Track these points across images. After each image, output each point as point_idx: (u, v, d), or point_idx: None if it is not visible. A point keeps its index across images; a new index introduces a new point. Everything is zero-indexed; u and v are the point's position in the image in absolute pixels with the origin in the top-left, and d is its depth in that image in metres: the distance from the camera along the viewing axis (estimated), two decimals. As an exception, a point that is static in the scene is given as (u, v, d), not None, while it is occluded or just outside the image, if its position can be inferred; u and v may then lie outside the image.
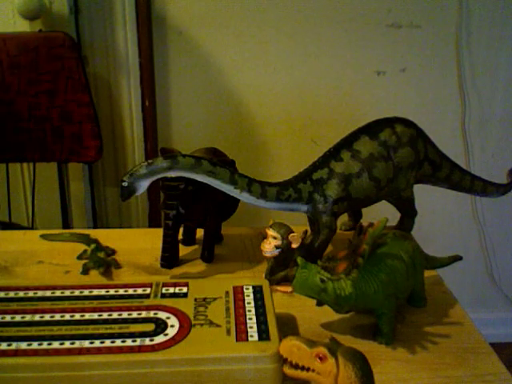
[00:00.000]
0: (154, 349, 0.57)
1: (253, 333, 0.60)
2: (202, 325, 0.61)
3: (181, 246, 0.86)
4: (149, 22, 1.41)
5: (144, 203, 1.56)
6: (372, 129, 0.80)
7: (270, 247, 0.76)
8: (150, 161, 0.70)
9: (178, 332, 0.60)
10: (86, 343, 0.58)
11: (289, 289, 0.65)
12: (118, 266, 0.83)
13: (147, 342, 0.58)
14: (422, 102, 1.56)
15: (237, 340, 0.59)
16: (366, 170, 0.78)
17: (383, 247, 0.67)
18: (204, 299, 0.66)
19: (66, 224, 1.45)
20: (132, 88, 1.47)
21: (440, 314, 0.73)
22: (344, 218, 0.90)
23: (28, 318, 0.62)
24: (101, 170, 1.54)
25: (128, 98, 1.48)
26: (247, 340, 0.59)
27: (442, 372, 0.63)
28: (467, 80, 1.54)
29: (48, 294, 0.67)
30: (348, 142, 0.79)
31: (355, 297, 0.63)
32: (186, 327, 0.61)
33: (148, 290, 0.68)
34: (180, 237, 0.84)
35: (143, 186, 0.70)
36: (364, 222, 0.69)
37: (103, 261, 0.83)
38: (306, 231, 0.78)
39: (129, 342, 0.58)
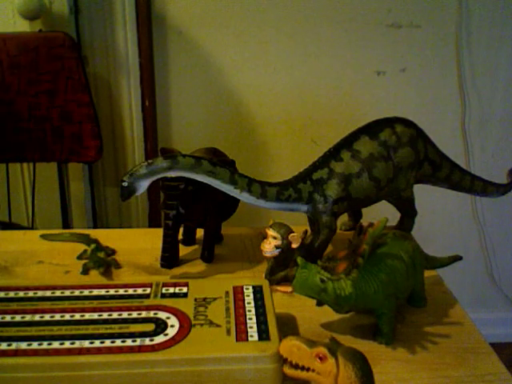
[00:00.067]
0: (153, 349, 0.57)
1: (253, 333, 0.60)
2: (201, 325, 0.61)
3: (181, 246, 0.86)
4: (149, 21, 1.41)
5: (144, 203, 1.56)
6: (372, 129, 0.80)
7: (270, 247, 0.76)
8: (150, 161, 0.70)
9: (177, 332, 0.60)
10: (86, 343, 0.58)
11: (289, 289, 0.65)
12: (117, 266, 0.83)
13: (147, 342, 0.58)
14: (422, 102, 1.56)
15: (237, 340, 0.59)
16: (365, 169, 0.78)
17: (383, 247, 0.67)
18: (204, 299, 0.66)
19: (66, 224, 1.45)
20: (132, 88, 1.47)
21: (440, 313, 0.73)
22: (344, 218, 0.90)
23: (28, 318, 0.62)
24: (101, 170, 1.54)
25: (128, 98, 1.48)
26: (247, 340, 0.59)
27: (442, 372, 0.63)
28: (467, 80, 1.54)
29: (48, 294, 0.67)
30: (348, 142, 0.79)
31: (355, 297, 0.63)
32: (185, 327, 0.61)
33: (148, 290, 0.68)
34: (180, 237, 0.84)
35: (143, 186, 0.70)
36: (364, 222, 0.69)
37: (103, 261, 0.83)
38: (305, 231, 0.78)
39: (129, 342, 0.58)
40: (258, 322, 0.62)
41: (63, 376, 0.56)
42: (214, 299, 0.66)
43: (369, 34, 1.48)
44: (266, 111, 1.53)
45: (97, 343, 0.58)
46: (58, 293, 0.67)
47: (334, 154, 0.79)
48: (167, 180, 0.77)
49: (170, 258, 0.83)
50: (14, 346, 0.58)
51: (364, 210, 0.89)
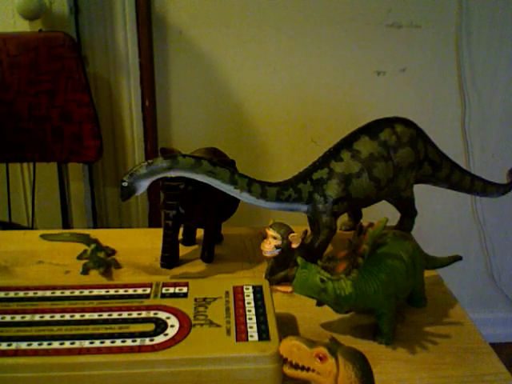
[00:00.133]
0: (153, 349, 0.57)
1: (253, 333, 0.60)
2: (202, 325, 0.61)
3: (181, 246, 0.86)
4: (149, 22, 1.41)
5: (144, 203, 1.56)
6: (372, 129, 0.80)
7: (270, 247, 0.76)
8: (150, 161, 0.70)
9: (177, 332, 0.60)
10: (86, 343, 0.58)
11: (289, 289, 0.65)
12: (118, 266, 0.83)
13: (147, 342, 0.58)
14: (422, 102, 1.56)
15: (237, 340, 0.59)
16: (365, 169, 0.78)
17: (383, 247, 0.67)
18: (204, 299, 0.66)
19: (66, 224, 1.45)
20: (132, 88, 1.47)
21: (440, 313, 0.73)
22: (344, 218, 0.90)
23: (28, 318, 0.62)
24: (101, 170, 1.54)
25: (128, 98, 1.48)
26: (247, 340, 0.59)
27: (442, 372, 0.63)
28: (467, 80, 1.54)
29: (48, 294, 0.67)
30: (348, 142, 0.79)
31: (355, 297, 0.63)
32: (185, 327, 0.61)
33: (148, 290, 0.68)
34: (180, 237, 0.84)
35: (143, 186, 0.70)
36: (364, 222, 0.69)
37: (103, 261, 0.83)
38: (305, 231, 0.78)
39: (129, 342, 0.58)
40: (258, 322, 0.62)
41: (63, 376, 0.56)
42: (214, 299, 0.66)
43: (369, 34, 1.48)
44: (266, 111, 1.53)
45: (97, 343, 0.58)
46: (58, 293, 0.67)
47: (334, 153, 0.79)
48: (167, 180, 0.77)
49: (169, 258, 0.83)
50: (14, 345, 0.58)
51: (364, 210, 0.89)
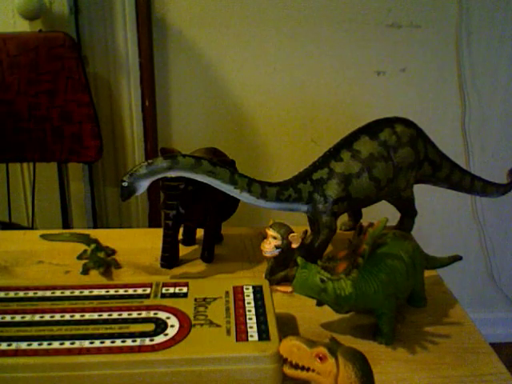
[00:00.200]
0: (153, 349, 0.57)
1: (253, 333, 0.60)
2: (202, 325, 0.61)
3: (181, 246, 0.86)
4: (149, 22, 1.41)
5: (144, 203, 1.56)
6: (372, 129, 0.80)
7: (270, 247, 0.76)
8: (150, 161, 0.70)
9: (177, 332, 0.60)
10: (86, 343, 0.58)
11: (289, 289, 0.65)
12: (118, 266, 0.83)
13: (147, 342, 0.58)
14: (422, 102, 1.56)
15: (237, 340, 0.59)
16: (365, 169, 0.78)
17: (383, 247, 0.67)
18: (204, 299, 0.66)
19: (66, 224, 1.45)
20: (132, 88, 1.47)
21: (440, 313, 0.73)
22: (344, 218, 0.90)
23: (28, 317, 0.62)
24: (101, 170, 1.54)
25: (128, 98, 1.48)
26: (247, 340, 0.59)
27: (442, 372, 0.63)
28: (467, 80, 1.54)
29: (48, 294, 0.67)
30: (348, 142, 0.79)
31: (355, 297, 0.63)
32: (186, 327, 0.61)
33: (148, 290, 0.68)
34: (180, 237, 0.84)
35: (143, 186, 0.70)
36: (364, 222, 0.69)
37: (103, 261, 0.83)
38: (305, 231, 0.78)
39: (129, 342, 0.58)
40: (258, 322, 0.62)
41: (63, 376, 0.56)
42: (214, 299, 0.66)
43: (369, 34, 1.48)
44: (266, 111, 1.53)
45: (97, 343, 0.58)
46: (58, 293, 0.67)
47: (334, 153, 0.79)
48: (167, 180, 0.77)
49: (169, 258, 0.83)
50: (14, 345, 0.58)
51: (364, 210, 0.89)
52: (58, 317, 0.63)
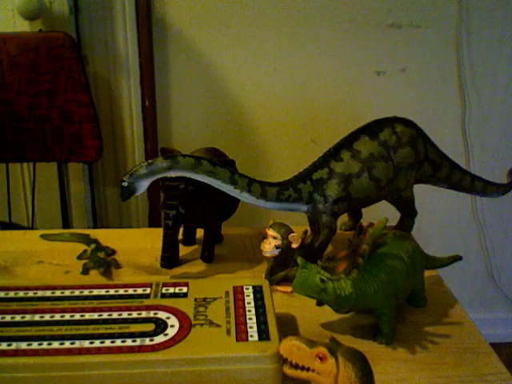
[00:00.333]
0: (154, 349, 0.57)
1: (253, 333, 0.60)
2: (202, 325, 0.61)
3: (181, 245, 0.86)
4: (149, 22, 1.41)
5: (144, 203, 1.56)
6: (372, 129, 0.80)
7: (270, 247, 0.76)
8: (150, 161, 0.70)
9: (178, 332, 0.60)
10: (86, 343, 0.58)
11: (289, 289, 0.65)
12: (118, 266, 0.83)
13: (147, 342, 0.58)
14: (422, 102, 1.56)
15: (237, 340, 0.59)
16: (365, 169, 0.78)
17: (383, 247, 0.67)
18: (204, 299, 0.66)
19: (66, 224, 1.45)
20: (132, 88, 1.47)
21: (440, 313, 0.73)
22: (344, 218, 0.90)
23: (28, 317, 0.62)
24: (101, 170, 1.54)
25: (128, 98, 1.48)
26: (247, 340, 0.59)
27: (442, 372, 0.63)
28: (467, 80, 1.54)
29: (48, 293, 0.67)
30: (348, 142, 0.79)
31: (355, 297, 0.63)
32: (186, 327, 0.61)
33: (148, 290, 0.68)
34: (180, 237, 0.84)
35: (143, 186, 0.70)
36: (364, 222, 0.69)
37: (103, 261, 0.83)
38: (305, 231, 0.78)
39: (129, 342, 0.58)
40: (258, 322, 0.62)
41: (63, 376, 0.56)
42: (214, 299, 0.66)
43: (369, 34, 1.48)
44: (266, 111, 1.53)
45: (97, 343, 0.58)
46: (58, 293, 0.67)
47: (334, 153, 0.79)
48: (167, 180, 0.77)
49: (169, 258, 0.83)
50: (14, 345, 0.58)
51: (364, 210, 0.89)
52: (57, 317, 0.63)
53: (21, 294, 0.67)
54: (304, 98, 1.52)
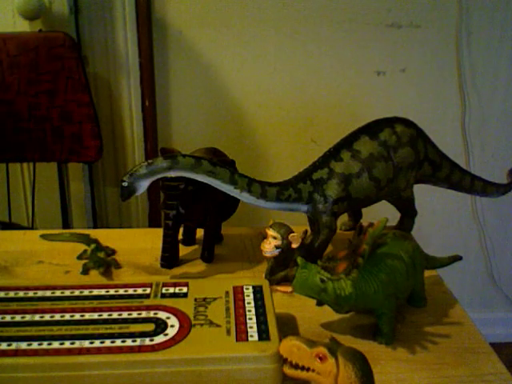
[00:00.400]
0: (154, 349, 0.57)
1: (253, 333, 0.60)
2: (202, 325, 0.61)
3: (181, 245, 0.86)
4: (149, 22, 1.41)
5: (144, 203, 1.56)
6: (372, 129, 0.80)
7: (270, 247, 0.76)
8: (150, 161, 0.70)
9: (178, 332, 0.60)
10: (86, 343, 0.58)
11: (289, 289, 0.65)
12: (118, 266, 0.83)
13: (147, 342, 0.58)
14: (422, 102, 1.56)
15: (237, 340, 0.59)
16: (365, 169, 0.78)
17: (383, 247, 0.67)
18: (204, 299, 0.66)
19: (66, 224, 1.45)
20: (132, 88, 1.47)
21: (440, 313, 0.73)
22: (344, 218, 0.90)
23: (28, 317, 0.62)
24: (101, 170, 1.54)
25: (128, 98, 1.48)
26: (247, 340, 0.59)
27: (442, 372, 0.63)
28: (467, 80, 1.54)
29: (48, 293, 0.67)
30: (348, 142, 0.79)
31: (355, 297, 0.63)
32: (185, 327, 0.61)
33: (148, 290, 0.68)
34: (180, 237, 0.84)
35: (143, 186, 0.70)
36: (364, 222, 0.69)
37: (103, 261, 0.83)
38: (305, 231, 0.78)
39: (129, 342, 0.58)
40: (258, 322, 0.62)
41: (63, 376, 0.56)
42: (214, 299, 0.66)
43: (369, 34, 1.48)
44: (266, 111, 1.53)
45: (97, 343, 0.58)
46: (58, 293, 0.67)
47: (334, 153, 0.79)
48: (167, 180, 0.77)
49: (169, 258, 0.83)
50: (14, 345, 0.58)
51: (364, 210, 0.89)
52: (57, 317, 0.63)
53: (21, 293, 0.67)
54: (304, 98, 1.52)
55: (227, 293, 0.67)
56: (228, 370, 0.57)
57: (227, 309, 0.64)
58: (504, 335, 1.81)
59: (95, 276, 0.81)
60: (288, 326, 0.69)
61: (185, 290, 0.68)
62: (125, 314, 0.63)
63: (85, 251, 0.86)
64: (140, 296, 0.66)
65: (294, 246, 0.75)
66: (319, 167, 0.78)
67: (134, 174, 0.69)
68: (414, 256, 0.69)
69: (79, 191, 1.52)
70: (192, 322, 0.62)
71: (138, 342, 0.58)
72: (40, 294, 0.67)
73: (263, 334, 0.60)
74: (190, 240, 0.89)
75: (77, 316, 0.63)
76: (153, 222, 1.56)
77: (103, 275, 0.81)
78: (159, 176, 0.71)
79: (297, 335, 0.56)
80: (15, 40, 1.28)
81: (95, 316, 0.63)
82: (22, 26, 1.35)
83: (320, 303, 0.66)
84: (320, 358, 0.52)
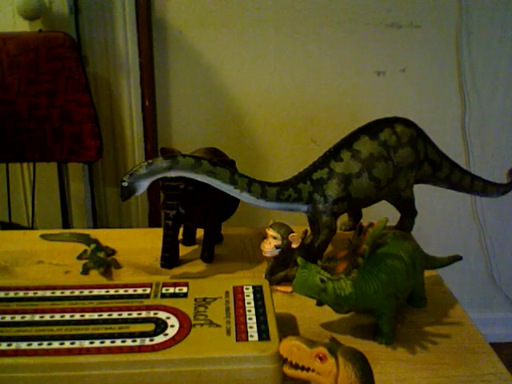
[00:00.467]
0: (154, 349, 0.57)
1: (253, 333, 0.60)
2: (202, 325, 0.61)
3: (181, 246, 0.86)
4: (149, 22, 1.41)
5: (144, 203, 1.56)
6: (372, 129, 0.80)
7: (270, 247, 0.76)
8: (150, 161, 0.70)
9: (178, 332, 0.60)
10: (86, 343, 0.58)
11: (289, 289, 0.65)
12: (118, 266, 0.83)
13: (147, 342, 0.58)
14: (422, 102, 1.56)
15: (237, 340, 0.59)
16: (366, 169, 0.78)
17: (383, 247, 0.67)
18: (204, 299, 0.66)
19: (66, 224, 1.45)
20: (132, 88, 1.47)
21: (440, 313, 0.73)
22: (344, 218, 0.90)
23: (28, 317, 0.62)
24: (101, 170, 1.54)
25: (128, 98, 1.48)
26: (247, 340, 0.59)
27: (442, 372, 0.63)
28: (467, 80, 1.54)
29: (48, 293, 0.67)
30: (348, 142, 0.79)
31: (355, 297, 0.63)
32: (186, 327, 0.61)
33: (148, 290, 0.68)
34: (180, 237, 0.84)
35: (143, 186, 0.70)
36: (364, 222, 0.69)
37: (103, 261, 0.83)
38: (305, 231, 0.78)
39: (129, 342, 0.58)
40: (258, 322, 0.62)
41: (63, 376, 0.56)
42: (214, 299, 0.66)
43: (369, 34, 1.48)
44: (266, 111, 1.53)
45: (97, 343, 0.58)
46: (58, 293, 0.67)
47: (334, 153, 0.79)
48: (167, 180, 0.77)
49: (169, 258, 0.83)
50: (14, 345, 0.58)
51: (364, 210, 0.89)
52: (57, 317, 0.63)
53: (21, 293, 0.67)
54: (304, 98, 1.52)
55: (227, 293, 0.67)
56: (228, 369, 0.57)
57: (227, 309, 0.64)
58: (504, 335, 1.81)
59: (95, 276, 0.81)
60: (288, 326, 0.69)
61: (185, 289, 0.68)
62: (125, 314, 0.63)
63: (85, 251, 0.86)
64: (140, 296, 0.66)
65: (294, 246, 0.75)
66: (319, 167, 0.78)
67: (134, 174, 0.69)
68: (414, 256, 0.69)
69: (79, 191, 1.52)
70: (192, 322, 0.62)
71: (138, 342, 0.58)
72: (40, 294, 0.67)
73: (263, 334, 0.60)
74: (190, 240, 0.89)
75: (77, 316, 0.63)
76: (153, 222, 1.56)
77: (103, 275, 0.81)
78: (159, 176, 0.71)
79: (297, 335, 0.56)
80: (15, 40, 1.28)
81: (95, 316, 0.63)
82: (22, 26, 1.35)
83: (320, 303, 0.66)
84: (320, 358, 0.52)
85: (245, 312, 0.64)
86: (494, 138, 1.61)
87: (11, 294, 0.67)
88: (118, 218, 1.59)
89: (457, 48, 1.51)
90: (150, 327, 0.61)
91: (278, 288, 0.67)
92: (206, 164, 0.71)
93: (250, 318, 0.62)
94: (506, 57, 1.53)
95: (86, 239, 0.89)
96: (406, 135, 0.81)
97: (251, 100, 1.52)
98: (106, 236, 0.91)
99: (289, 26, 1.46)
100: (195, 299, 0.66)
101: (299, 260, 0.64)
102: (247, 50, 1.47)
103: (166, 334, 0.60)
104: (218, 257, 0.86)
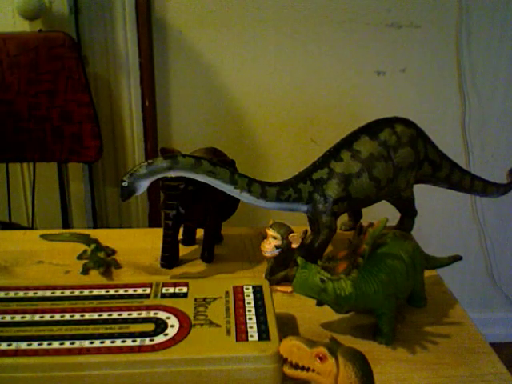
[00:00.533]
0: (154, 349, 0.57)
1: (253, 333, 0.60)
2: (202, 325, 0.61)
3: (181, 246, 0.86)
4: (149, 21, 1.41)
5: (144, 203, 1.56)
6: (372, 129, 0.80)
7: (270, 247, 0.76)
8: (150, 161, 0.70)
9: (178, 332, 0.60)
10: (86, 343, 0.58)
11: (289, 289, 0.65)
12: (118, 266, 0.83)
13: (147, 342, 0.58)
14: (422, 102, 1.56)
15: (237, 340, 0.59)
16: (365, 169, 0.78)
17: (383, 247, 0.67)
18: (204, 299, 0.66)
19: (66, 224, 1.45)
20: (132, 88, 1.47)
21: (440, 313, 0.73)
22: (344, 218, 0.90)
23: (28, 317, 0.62)
24: (101, 170, 1.54)
25: (128, 98, 1.48)
26: (247, 340, 0.59)
27: (442, 372, 0.63)
28: (467, 80, 1.54)
29: (48, 293, 0.67)
30: (348, 142, 0.79)
31: (355, 297, 0.63)
32: (185, 327, 0.61)
33: (148, 290, 0.68)
34: (180, 237, 0.84)
35: (143, 185, 0.70)
36: (364, 222, 0.69)
37: (103, 261, 0.83)
38: (305, 231, 0.78)
39: (129, 342, 0.58)
40: (258, 322, 0.62)
41: (63, 376, 0.56)
42: (214, 299, 0.66)
43: (369, 34, 1.48)
44: (266, 111, 1.53)
45: (97, 343, 0.58)
46: (58, 293, 0.67)
47: (334, 153, 0.79)
48: (167, 180, 0.77)
49: (169, 258, 0.83)
50: (14, 345, 0.58)
51: (364, 210, 0.89)
52: (57, 317, 0.63)
53: (21, 293, 0.67)
54: (304, 98, 1.52)
55: (227, 293, 0.67)
56: (228, 369, 0.57)
57: (227, 309, 0.64)
58: (504, 335, 1.81)
59: (95, 276, 0.81)
60: (288, 326, 0.69)
61: (185, 289, 0.68)
62: (125, 314, 0.63)
63: (85, 251, 0.86)
64: (140, 296, 0.66)
65: (294, 246, 0.75)
66: (319, 167, 0.78)
67: (134, 174, 0.69)
68: (414, 256, 0.69)
69: (79, 191, 1.52)
70: (192, 322, 0.62)
71: (138, 342, 0.58)
72: (40, 293, 0.67)
73: (263, 334, 0.60)
74: (190, 240, 0.89)
75: (77, 316, 0.63)
76: (153, 222, 1.56)
77: (103, 275, 0.81)
78: (159, 176, 0.71)
79: (297, 335, 0.56)
80: (15, 40, 1.28)
81: (95, 316, 0.63)
82: (22, 26, 1.35)
83: (320, 303, 0.66)
84: (320, 358, 0.52)
85: (245, 312, 0.64)
86: (493, 138, 1.61)
87: (11, 294, 0.67)
88: (117, 218, 1.59)
89: (457, 48, 1.51)
90: (150, 327, 0.61)
91: (278, 288, 0.68)
92: (205, 164, 0.71)
93: (250, 318, 0.62)
94: (506, 57, 1.53)
95: (86, 239, 0.89)
96: (406, 135, 0.81)
97: (251, 100, 1.52)
98: (106, 236, 0.91)
99: (289, 26, 1.46)
100: (195, 299, 0.66)
101: (299, 260, 0.64)
102: (247, 50, 1.47)
103: (166, 334, 0.60)
104: (218, 257, 0.86)
